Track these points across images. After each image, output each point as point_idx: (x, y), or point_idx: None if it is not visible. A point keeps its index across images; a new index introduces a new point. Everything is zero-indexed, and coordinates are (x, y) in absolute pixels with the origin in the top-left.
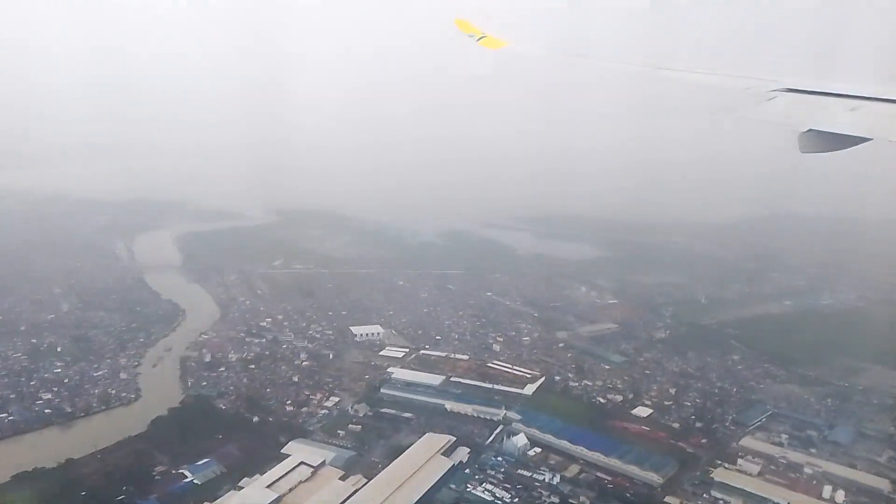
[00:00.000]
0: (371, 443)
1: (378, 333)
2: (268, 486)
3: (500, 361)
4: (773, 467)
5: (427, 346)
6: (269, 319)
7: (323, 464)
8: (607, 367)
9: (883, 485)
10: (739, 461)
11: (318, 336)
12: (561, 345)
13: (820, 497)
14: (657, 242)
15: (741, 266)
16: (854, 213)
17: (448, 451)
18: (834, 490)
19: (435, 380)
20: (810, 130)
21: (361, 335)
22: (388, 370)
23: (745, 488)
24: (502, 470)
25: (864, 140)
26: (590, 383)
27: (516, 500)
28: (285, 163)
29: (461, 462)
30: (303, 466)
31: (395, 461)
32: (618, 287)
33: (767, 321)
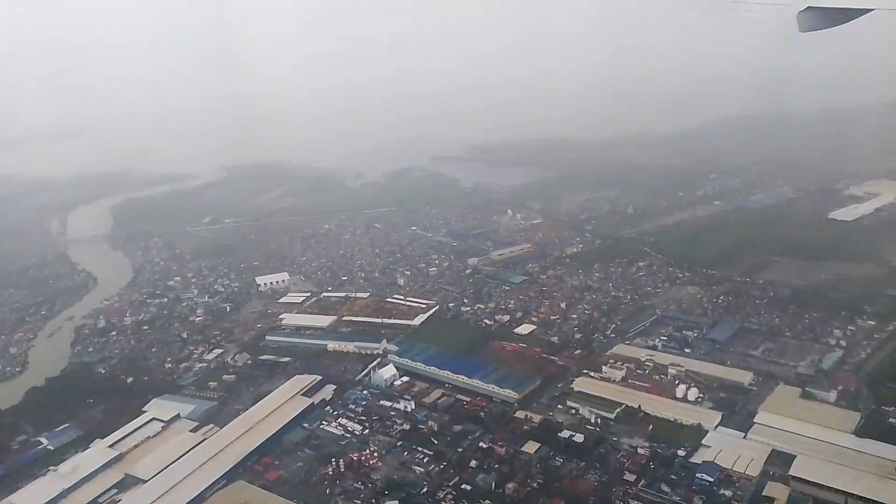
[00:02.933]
0: (239, 391)
1: (283, 281)
2: (110, 446)
3: (401, 295)
4: (638, 371)
5: (330, 289)
6: (178, 278)
7: (177, 417)
8: (507, 288)
9: (746, 378)
10: (605, 369)
11: (222, 290)
12: (468, 271)
13: (673, 396)
14: (607, 158)
15: (684, 172)
16: (826, 105)
17: (311, 391)
18: (688, 388)
19: (325, 321)
20: (808, 8)
21: (266, 285)
22: (281, 317)
23: (601, 395)
24: (363, 403)
25: (863, 12)
26: (483, 307)
27: (366, 431)
28: (236, 119)
29: (323, 400)
30: (154, 422)
31: (253, 407)
32: (547, 207)
33: (688, 225)
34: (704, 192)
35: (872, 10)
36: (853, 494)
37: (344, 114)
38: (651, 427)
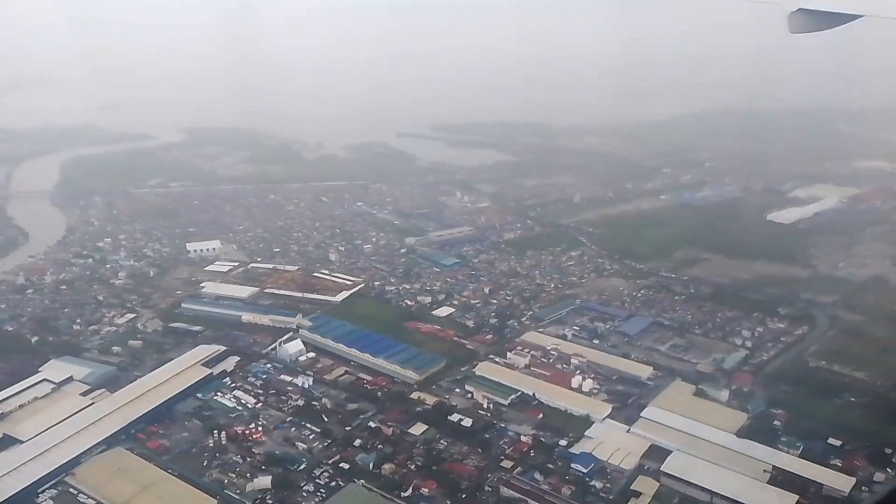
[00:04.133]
0: (141, 358)
1: (214, 249)
2: None
3: (330, 271)
4: (542, 360)
5: (259, 260)
6: (109, 240)
7: (69, 380)
8: (437, 270)
9: (645, 372)
10: (510, 355)
11: (150, 254)
12: (403, 251)
13: (569, 386)
14: (570, 145)
15: (641, 164)
16: (803, 106)
17: (213, 362)
18: (584, 379)
19: (245, 292)
20: (799, 10)
21: (195, 251)
22: (202, 285)
23: (500, 381)
24: (264, 377)
25: (854, 17)
26: (408, 287)
27: (259, 404)
28: (205, 82)
29: (224, 371)
30: (45, 383)
31: (149, 374)
32: (498, 191)
33: (629, 218)
34: (653, 186)
35: (863, 16)
36: (718, 493)
37: (321, 85)
38: (541, 415)
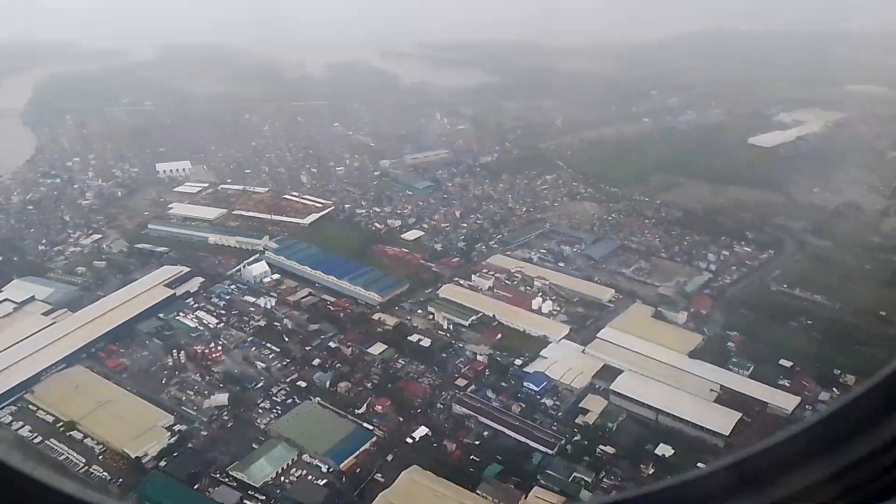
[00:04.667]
0: (106, 278)
1: (184, 170)
2: None
3: (300, 193)
4: (506, 282)
5: (229, 181)
6: (78, 160)
7: (31, 300)
8: (409, 193)
9: (606, 295)
10: (474, 277)
11: (119, 175)
12: (377, 174)
13: (530, 308)
14: (558, 66)
15: (628, 86)
16: (802, 28)
17: (177, 282)
18: (544, 300)
19: (213, 214)
20: None
21: (165, 172)
22: (170, 206)
23: (463, 303)
24: (227, 298)
25: None
26: (378, 210)
27: (220, 325)
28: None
29: (187, 292)
30: (6, 303)
31: (112, 294)
32: (479, 114)
33: (609, 142)
34: (637, 109)
35: None
36: (664, 411)
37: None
38: (500, 336)
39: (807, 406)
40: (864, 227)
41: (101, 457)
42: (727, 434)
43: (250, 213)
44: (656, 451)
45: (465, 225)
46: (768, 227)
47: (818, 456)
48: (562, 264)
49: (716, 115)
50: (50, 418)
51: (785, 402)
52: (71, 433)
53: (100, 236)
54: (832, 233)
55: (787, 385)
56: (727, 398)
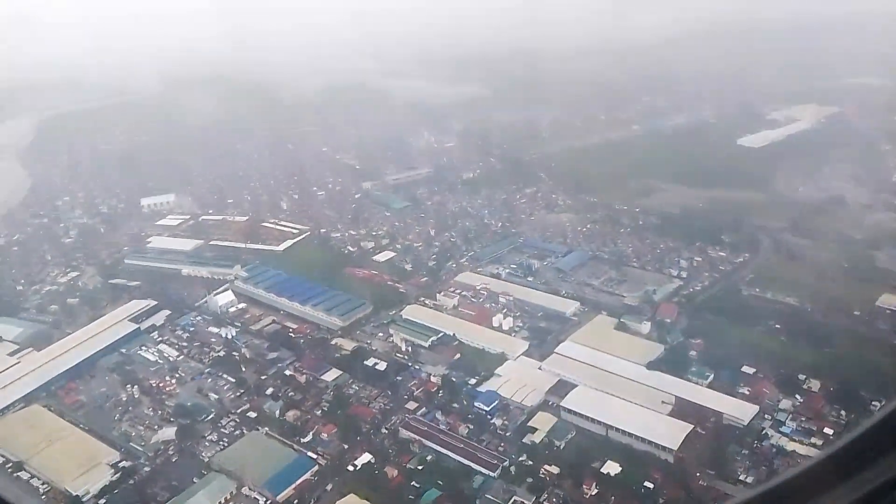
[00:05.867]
0: (77, 315)
1: (168, 202)
2: None
3: (279, 219)
4: (472, 300)
5: (211, 211)
6: (67, 198)
7: None
8: (387, 213)
9: (570, 308)
10: (439, 296)
11: (105, 211)
12: (357, 195)
13: (490, 325)
14: (553, 72)
15: (621, 90)
16: (805, 21)
17: (143, 316)
18: (505, 317)
19: (189, 245)
20: None
21: (149, 205)
22: (149, 240)
23: (425, 323)
24: (192, 329)
25: None
26: (354, 232)
27: (181, 357)
28: (193, 27)
29: (153, 325)
30: None
31: (79, 330)
32: (467, 128)
33: (594, 149)
34: (627, 114)
35: None
36: (613, 426)
37: (311, 25)
38: (458, 355)
39: (765, 415)
40: (847, 223)
41: (44, 496)
42: (675, 448)
43: (227, 243)
44: (602, 469)
45: (438, 243)
46: (747, 228)
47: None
48: (530, 278)
49: (707, 116)
50: (0, 459)
51: (741, 411)
52: (18, 473)
53: (77, 273)
54: (813, 231)
55: (747, 393)
56: (682, 410)
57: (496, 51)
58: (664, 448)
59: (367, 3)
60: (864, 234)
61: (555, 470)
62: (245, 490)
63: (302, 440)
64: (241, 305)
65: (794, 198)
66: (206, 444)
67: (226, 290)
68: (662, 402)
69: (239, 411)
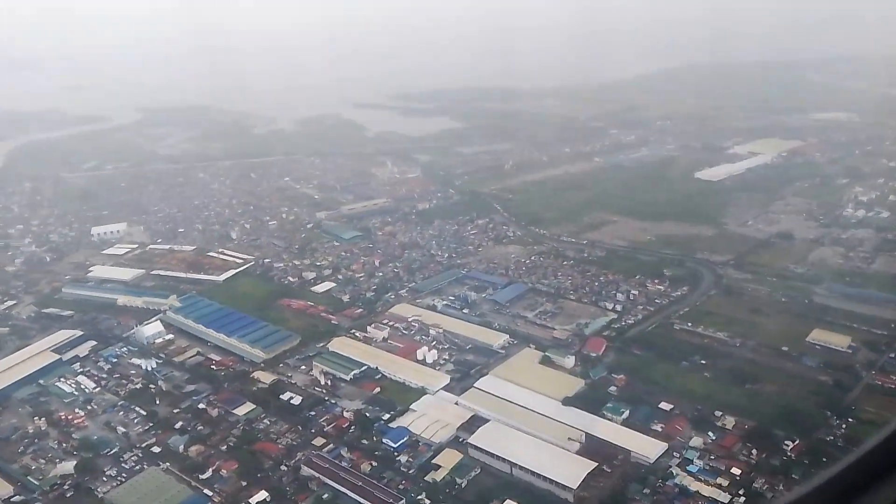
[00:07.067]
0: (4, 345)
1: (118, 231)
2: None
3: (226, 249)
4: (403, 332)
5: (160, 241)
6: (21, 227)
7: None
8: (336, 244)
9: (498, 341)
10: (369, 328)
11: (55, 239)
12: (309, 225)
13: (415, 358)
14: (524, 108)
15: (588, 125)
16: (775, 58)
17: (67, 347)
18: (429, 350)
19: (129, 275)
20: None
21: (98, 235)
22: (91, 269)
23: (350, 356)
24: (114, 360)
25: None
26: (298, 263)
27: (97, 389)
28: (171, 63)
29: (76, 356)
30: None
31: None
32: (433, 160)
33: (554, 182)
34: (592, 148)
35: None
36: (518, 464)
37: (289, 60)
38: (377, 390)
39: (674, 453)
40: (791, 257)
41: None
42: (575, 487)
43: (169, 273)
44: None
45: (381, 273)
46: (690, 262)
47: None
48: (466, 310)
49: (669, 150)
50: None
51: (650, 449)
52: None
53: (14, 302)
54: (755, 265)
55: (660, 430)
56: (591, 447)
57: (474, 87)
58: (564, 487)
59: (355, 39)
60: (806, 269)
61: None
62: None
63: (201, 476)
64: (169, 336)
65: (743, 231)
66: (104, 479)
67: (154, 321)
68: (570, 438)
69: (143, 445)
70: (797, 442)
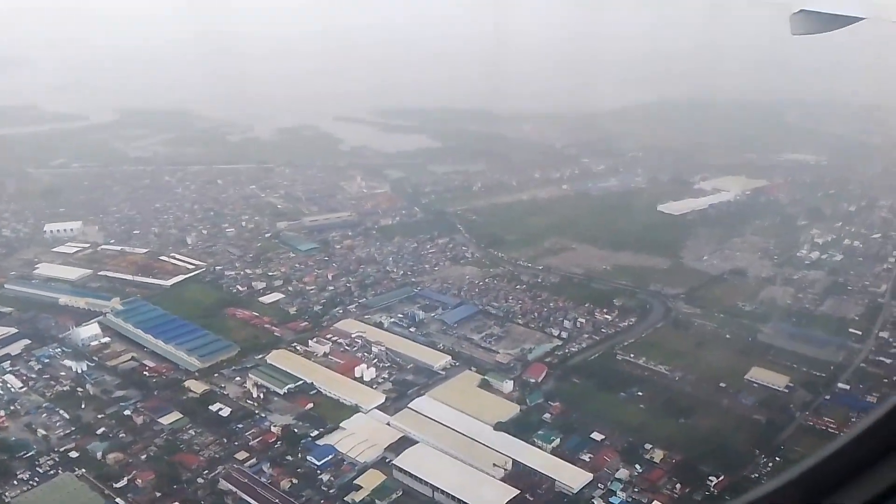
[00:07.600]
0: None
1: (72, 230)
2: None
3: (180, 254)
4: (345, 348)
5: (112, 242)
6: None
7: None
8: (292, 255)
9: (440, 362)
10: (311, 343)
11: (7, 235)
12: (268, 234)
13: (353, 375)
14: (502, 132)
15: (561, 152)
16: (758, 98)
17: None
18: (367, 368)
19: (75, 274)
20: (802, 11)
21: (51, 232)
22: (37, 267)
23: (287, 369)
24: (46, 361)
25: (855, 20)
26: (249, 272)
27: (24, 389)
28: (156, 65)
29: (7, 354)
30: None
31: None
32: (403, 177)
33: (520, 206)
34: (562, 175)
35: (864, 18)
36: (440, 489)
37: (274, 70)
38: (310, 405)
39: (599, 484)
40: (741, 294)
41: None
42: None
43: (116, 275)
44: None
45: (332, 287)
46: (641, 293)
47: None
48: (412, 329)
49: (637, 181)
50: None
51: (574, 479)
52: None
53: None
54: (705, 300)
55: (587, 460)
56: (516, 474)
57: (456, 108)
58: None
59: (346, 51)
60: (755, 306)
61: None
62: None
63: (115, 485)
64: (106, 339)
65: (697, 266)
66: (15, 482)
67: (92, 323)
68: (494, 464)
69: (62, 450)
70: (721, 478)
